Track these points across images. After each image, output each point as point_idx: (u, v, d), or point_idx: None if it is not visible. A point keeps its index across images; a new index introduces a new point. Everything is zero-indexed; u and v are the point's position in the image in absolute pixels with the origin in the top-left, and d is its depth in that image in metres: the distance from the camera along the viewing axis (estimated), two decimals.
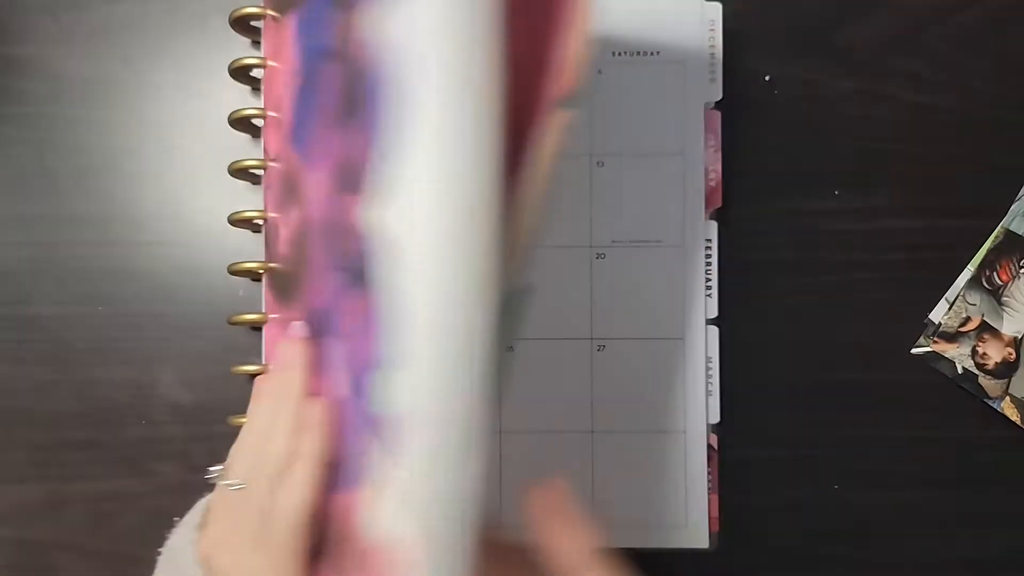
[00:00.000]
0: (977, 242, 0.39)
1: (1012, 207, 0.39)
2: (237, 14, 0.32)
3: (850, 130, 0.39)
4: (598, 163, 0.38)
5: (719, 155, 0.38)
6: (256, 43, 0.36)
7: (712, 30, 0.37)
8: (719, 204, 0.38)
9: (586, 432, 0.37)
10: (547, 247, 0.37)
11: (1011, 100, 0.39)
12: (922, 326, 0.39)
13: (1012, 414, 0.38)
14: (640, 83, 0.38)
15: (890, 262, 0.39)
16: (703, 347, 0.37)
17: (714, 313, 0.38)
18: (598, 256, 0.38)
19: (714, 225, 0.38)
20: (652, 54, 0.38)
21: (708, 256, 0.38)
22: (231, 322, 0.33)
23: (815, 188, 0.39)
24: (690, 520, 0.37)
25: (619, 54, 0.38)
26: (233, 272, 0.33)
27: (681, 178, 0.37)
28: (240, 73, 0.33)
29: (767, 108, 0.39)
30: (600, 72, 0.38)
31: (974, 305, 0.39)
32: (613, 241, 0.37)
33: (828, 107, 0.39)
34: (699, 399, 0.37)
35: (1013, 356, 0.38)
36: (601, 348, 0.37)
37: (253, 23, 0.33)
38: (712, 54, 0.38)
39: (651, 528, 0.37)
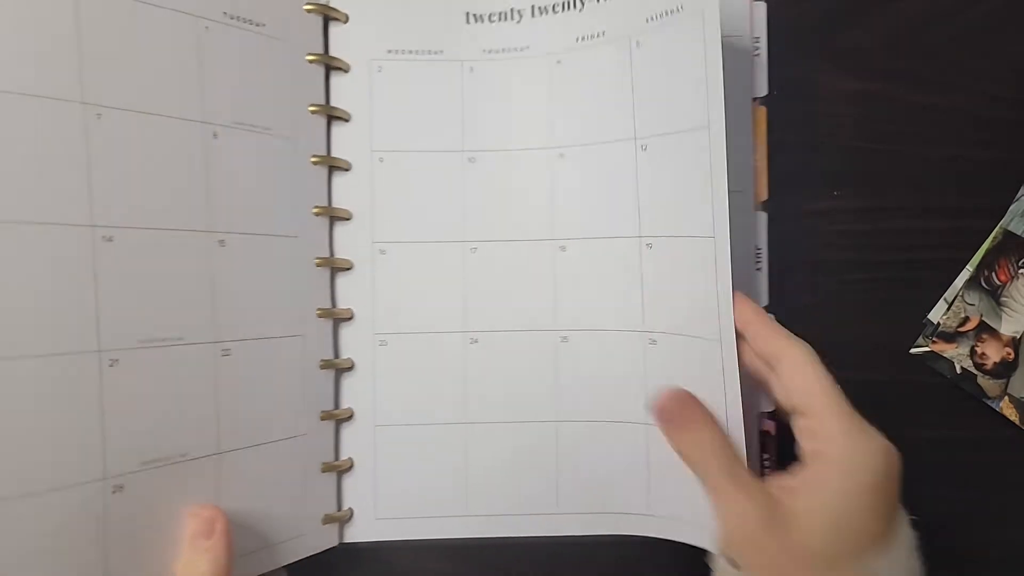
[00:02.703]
0: (976, 242, 0.39)
1: (1011, 207, 0.39)
2: None
3: (850, 130, 0.39)
4: (642, 147, 0.36)
5: (765, 148, 0.37)
6: None
7: (757, 34, 0.37)
8: (764, 196, 0.37)
9: (641, 424, 0.36)
10: (598, 238, 0.37)
11: (1011, 100, 0.39)
12: (921, 326, 0.39)
13: (1011, 414, 0.38)
14: (669, 47, 0.35)
15: (889, 262, 0.39)
16: (733, 346, 0.33)
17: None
18: (648, 246, 0.36)
19: (763, 217, 0.37)
20: (676, 11, 0.34)
21: (758, 254, 0.37)
22: None
23: (815, 188, 0.39)
24: None
25: (651, 19, 0.36)
26: None
27: (715, 166, 0.34)
28: None
29: (768, 108, 0.39)
30: (638, 44, 0.36)
31: (973, 305, 0.39)
32: (659, 232, 0.35)
33: (828, 107, 0.39)
34: (736, 403, 0.33)
35: (1012, 356, 0.38)
36: (652, 342, 0.36)
37: None
38: (757, 51, 0.37)
39: (701, 527, 0.34)
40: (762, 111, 0.38)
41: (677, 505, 0.35)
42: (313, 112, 0.37)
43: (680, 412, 0.33)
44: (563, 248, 0.37)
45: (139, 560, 0.29)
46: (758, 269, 0.38)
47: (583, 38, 0.37)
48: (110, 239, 0.28)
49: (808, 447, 0.30)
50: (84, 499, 0.27)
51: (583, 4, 0.37)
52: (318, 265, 0.37)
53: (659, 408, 0.33)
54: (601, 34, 0.37)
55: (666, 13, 0.35)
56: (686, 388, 0.34)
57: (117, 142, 0.29)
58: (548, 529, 0.37)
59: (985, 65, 0.39)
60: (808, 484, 0.29)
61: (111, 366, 0.28)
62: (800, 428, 0.30)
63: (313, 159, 0.37)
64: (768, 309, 0.39)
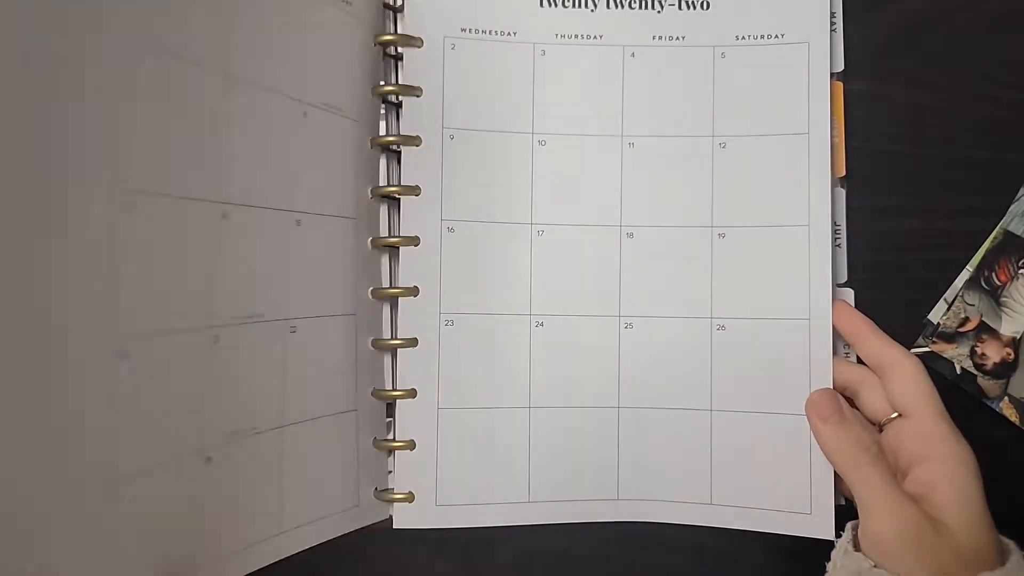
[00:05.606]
0: (976, 242, 0.39)
1: (1011, 208, 0.39)
2: None
3: (850, 130, 0.39)
4: (720, 144, 0.38)
5: (842, 124, 0.39)
6: None
7: (834, 12, 0.38)
8: (843, 172, 0.39)
9: (704, 411, 0.37)
10: (667, 226, 0.38)
11: (1011, 100, 0.39)
12: (921, 326, 0.39)
13: (1011, 414, 0.38)
14: (763, 65, 0.38)
15: (889, 262, 0.39)
16: (829, 326, 0.37)
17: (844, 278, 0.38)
18: (720, 236, 0.37)
19: (842, 193, 0.38)
20: (776, 36, 0.38)
21: (837, 230, 0.38)
22: None
23: None
24: (815, 507, 0.36)
25: (742, 38, 0.38)
26: None
27: (806, 158, 0.37)
28: None
29: None
30: (723, 56, 0.38)
31: (972, 305, 0.39)
32: (735, 222, 0.38)
33: None
34: (826, 380, 0.36)
35: (1012, 356, 0.38)
36: (720, 328, 0.37)
37: None
38: (834, 26, 0.38)
39: (773, 514, 0.36)
40: (839, 86, 0.38)
41: (740, 494, 0.37)
42: (374, 95, 0.38)
43: (836, 410, 0.34)
44: (630, 235, 0.38)
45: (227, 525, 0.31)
46: (837, 245, 0.38)
47: (660, 37, 0.38)
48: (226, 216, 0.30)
49: (914, 448, 0.32)
50: (184, 470, 0.28)
51: (663, 7, 0.38)
52: (374, 247, 0.38)
53: (813, 404, 0.35)
54: (680, 38, 0.38)
55: (764, 36, 0.38)
56: (759, 369, 0.37)
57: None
58: (609, 516, 0.37)
59: (985, 65, 0.39)
60: (940, 479, 0.31)
61: (215, 343, 0.30)
62: (900, 430, 0.33)
63: (372, 141, 0.38)
64: None
